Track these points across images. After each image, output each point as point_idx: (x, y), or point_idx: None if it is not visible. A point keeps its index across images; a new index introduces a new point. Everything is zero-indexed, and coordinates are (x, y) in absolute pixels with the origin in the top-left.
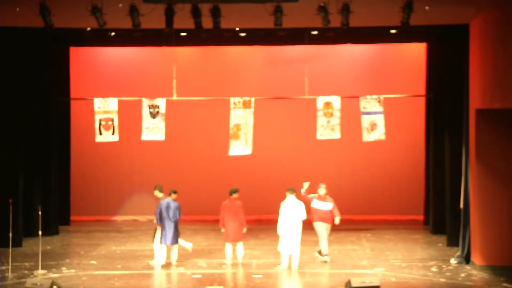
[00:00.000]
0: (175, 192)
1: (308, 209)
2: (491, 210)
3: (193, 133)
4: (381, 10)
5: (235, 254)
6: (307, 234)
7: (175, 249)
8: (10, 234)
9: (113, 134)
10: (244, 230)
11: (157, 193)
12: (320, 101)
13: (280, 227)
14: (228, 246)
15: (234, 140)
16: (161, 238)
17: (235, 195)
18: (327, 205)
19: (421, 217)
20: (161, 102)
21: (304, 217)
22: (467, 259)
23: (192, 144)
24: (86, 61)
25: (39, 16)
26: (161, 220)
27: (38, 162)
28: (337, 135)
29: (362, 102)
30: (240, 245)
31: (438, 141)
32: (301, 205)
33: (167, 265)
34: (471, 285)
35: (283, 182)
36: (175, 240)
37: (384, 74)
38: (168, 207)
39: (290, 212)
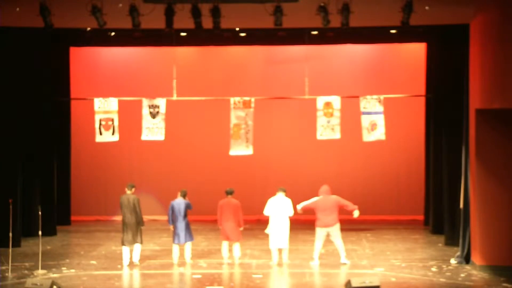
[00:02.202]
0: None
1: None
2: (491, 210)
3: (193, 133)
4: (381, 10)
5: (232, 253)
6: (306, 234)
7: (188, 246)
8: (10, 234)
9: (113, 134)
10: (241, 229)
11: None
12: (320, 101)
13: (271, 224)
14: (225, 245)
15: (234, 140)
16: (174, 237)
17: (231, 195)
18: None
19: (421, 217)
20: (161, 102)
21: (291, 213)
22: (467, 259)
23: (192, 144)
24: (86, 61)
25: (39, 16)
26: (173, 220)
27: (38, 162)
28: (337, 135)
29: (362, 102)
30: (236, 245)
31: (438, 141)
32: (288, 202)
33: (180, 263)
34: (471, 285)
35: (283, 182)
36: (188, 238)
37: (384, 74)
38: (179, 206)
39: (278, 208)
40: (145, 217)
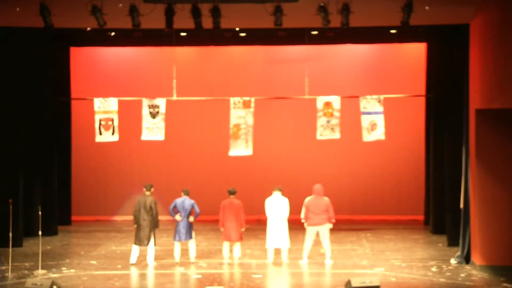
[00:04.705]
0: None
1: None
2: (491, 210)
3: (193, 133)
4: (381, 10)
5: (232, 254)
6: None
7: (193, 246)
8: (10, 234)
9: (113, 134)
10: (242, 229)
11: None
12: (320, 101)
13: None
14: (226, 245)
15: (234, 140)
16: (175, 235)
17: (233, 195)
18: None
19: (421, 217)
20: (161, 102)
21: (288, 213)
22: (467, 259)
23: (192, 144)
24: (86, 61)
25: (39, 16)
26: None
27: (39, 162)
28: (337, 135)
29: (362, 102)
30: (237, 245)
31: (438, 141)
32: (285, 201)
33: (181, 263)
34: (471, 285)
35: (283, 182)
36: (189, 236)
37: (384, 74)
38: (183, 204)
39: (275, 207)
40: None
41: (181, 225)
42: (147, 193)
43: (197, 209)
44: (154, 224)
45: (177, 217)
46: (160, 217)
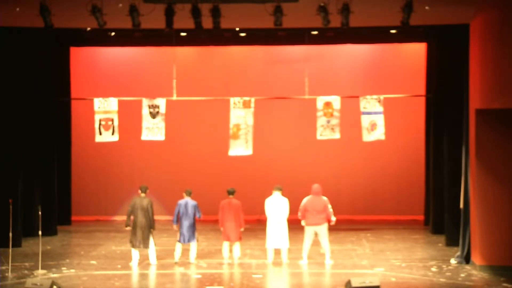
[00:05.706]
0: (190, 193)
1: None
2: (491, 210)
3: (193, 133)
4: (381, 10)
5: (232, 254)
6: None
7: (194, 247)
8: (10, 234)
9: (113, 134)
10: (242, 229)
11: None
12: (320, 101)
13: (269, 224)
14: (226, 245)
15: (234, 140)
16: (179, 236)
17: (232, 195)
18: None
19: (421, 217)
20: (161, 102)
21: (287, 213)
22: (467, 259)
23: (192, 144)
24: (86, 61)
25: (39, 16)
26: (178, 219)
27: (38, 162)
28: (337, 135)
29: (362, 102)
30: (237, 245)
31: (438, 141)
32: (285, 201)
33: (181, 263)
34: (471, 285)
35: (283, 182)
36: (192, 238)
37: (384, 74)
38: (186, 206)
39: (275, 207)
40: None
41: (184, 227)
42: (143, 195)
43: (197, 213)
44: (150, 226)
45: (175, 227)
46: (160, 217)
